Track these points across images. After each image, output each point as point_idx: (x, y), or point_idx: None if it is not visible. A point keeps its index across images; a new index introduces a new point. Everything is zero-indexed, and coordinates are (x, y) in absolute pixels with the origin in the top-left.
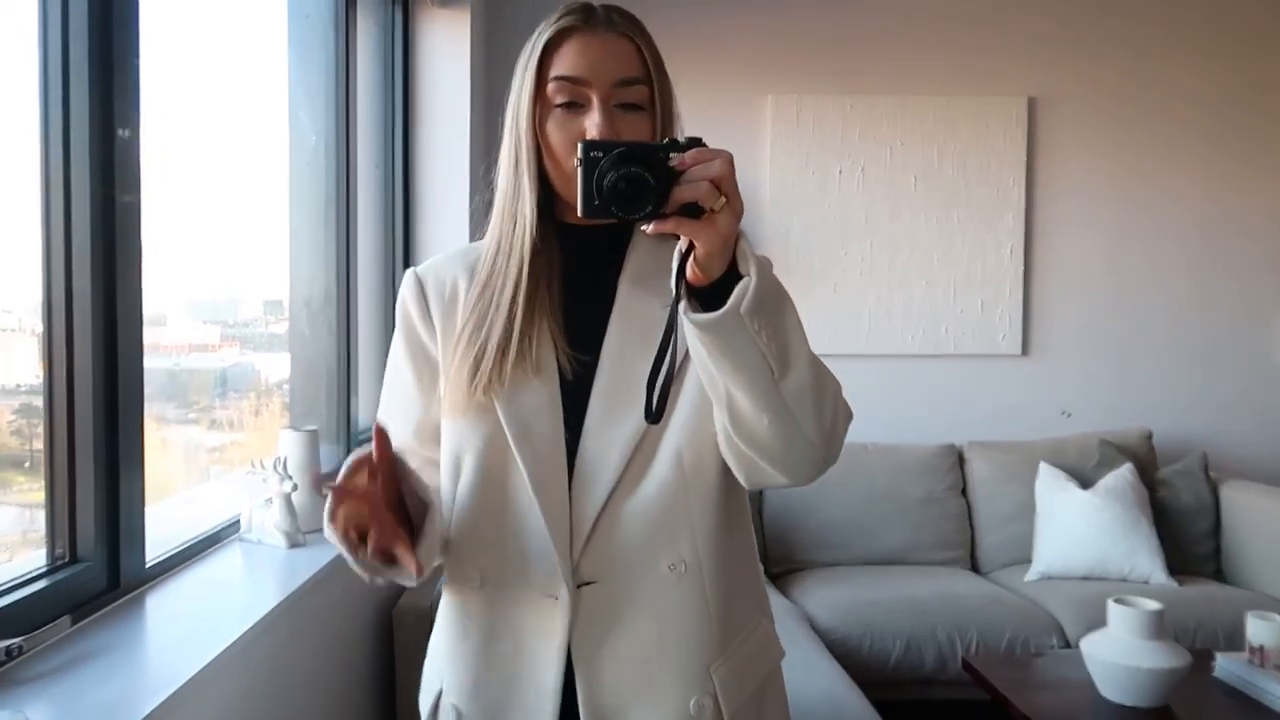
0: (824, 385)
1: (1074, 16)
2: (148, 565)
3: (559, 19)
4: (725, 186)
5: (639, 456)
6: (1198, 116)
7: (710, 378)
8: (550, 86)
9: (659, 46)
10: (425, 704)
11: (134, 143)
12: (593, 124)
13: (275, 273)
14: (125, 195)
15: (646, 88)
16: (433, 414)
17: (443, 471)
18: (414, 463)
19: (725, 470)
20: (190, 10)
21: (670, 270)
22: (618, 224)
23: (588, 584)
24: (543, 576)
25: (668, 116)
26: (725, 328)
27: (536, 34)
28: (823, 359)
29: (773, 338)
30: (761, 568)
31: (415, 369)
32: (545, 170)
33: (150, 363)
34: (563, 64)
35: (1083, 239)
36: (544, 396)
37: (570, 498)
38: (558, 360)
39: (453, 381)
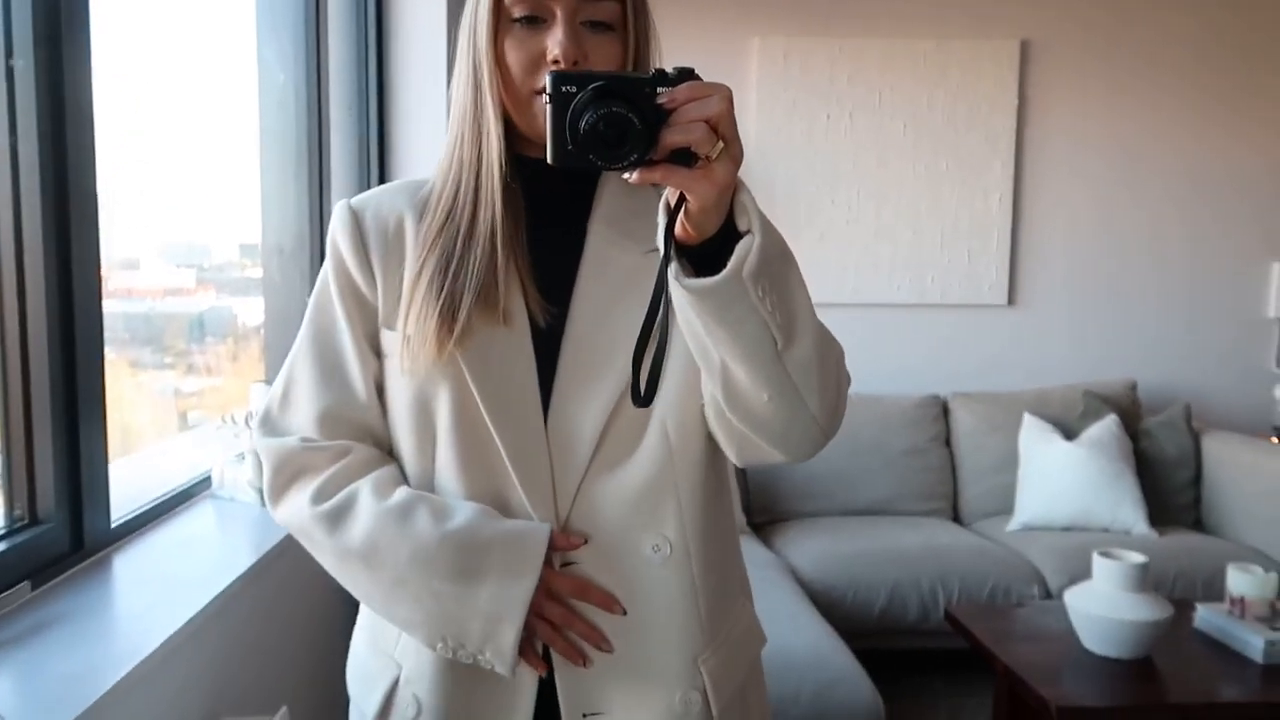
0: (829, 355)
1: None
2: (113, 525)
3: None
4: (724, 129)
5: (618, 423)
6: (1191, 61)
7: (703, 348)
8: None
9: None
10: (373, 697)
11: (84, 75)
12: (555, 41)
13: (251, 216)
14: (77, 132)
15: (618, 4)
16: (372, 369)
17: (400, 435)
18: (355, 431)
19: (712, 441)
20: None
21: (650, 211)
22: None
23: (567, 565)
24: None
25: (642, 40)
26: (725, 294)
27: None
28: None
29: (777, 305)
30: (742, 555)
31: (351, 322)
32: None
33: (123, 307)
34: None
35: (1072, 188)
36: (516, 351)
37: (552, 469)
38: (529, 310)
39: (416, 335)
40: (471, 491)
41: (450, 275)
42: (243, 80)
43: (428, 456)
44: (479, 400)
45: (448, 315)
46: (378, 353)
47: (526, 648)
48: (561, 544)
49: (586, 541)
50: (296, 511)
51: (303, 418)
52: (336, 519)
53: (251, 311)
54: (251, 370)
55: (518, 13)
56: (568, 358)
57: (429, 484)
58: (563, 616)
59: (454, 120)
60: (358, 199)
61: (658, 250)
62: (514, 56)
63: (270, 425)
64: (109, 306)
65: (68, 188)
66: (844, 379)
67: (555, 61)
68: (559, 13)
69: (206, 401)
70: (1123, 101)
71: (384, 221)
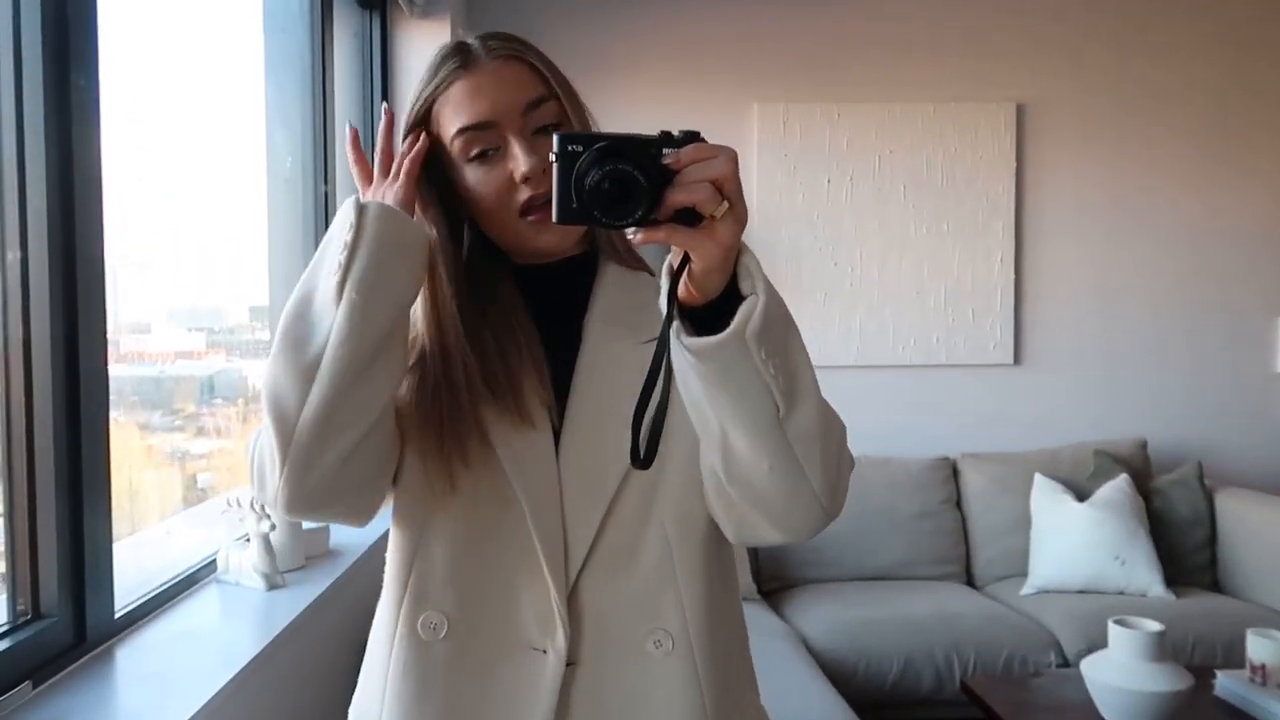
0: (831, 427)
1: (1062, 20)
2: (117, 615)
3: (436, 70)
4: (728, 189)
5: (617, 516)
6: (1186, 121)
7: (702, 416)
8: (456, 145)
9: (646, 53)
10: None
11: (93, 147)
12: (517, 161)
13: (260, 279)
14: (85, 201)
15: (555, 103)
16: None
17: (409, 481)
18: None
19: (715, 530)
20: (169, 21)
21: (647, 305)
22: (581, 259)
23: (569, 665)
24: (534, 625)
25: (582, 124)
26: (727, 354)
27: (416, 95)
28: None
29: (780, 368)
30: (747, 628)
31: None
32: (478, 227)
33: (134, 371)
34: (460, 115)
35: (1073, 246)
36: (539, 446)
37: (565, 541)
38: (545, 410)
39: (417, 434)
40: (480, 550)
41: (468, 366)
42: (254, 156)
43: (430, 502)
44: (508, 474)
45: (467, 418)
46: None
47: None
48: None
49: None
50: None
51: None
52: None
53: (261, 373)
54: None
55: (473, 152)
56: (568, 449)
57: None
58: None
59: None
60: None
61: (653, 340)
62: (484, 191)
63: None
64: (120, 370)
65: (75, 269)
66: (846, 458)
67: (525, 179)
68: (509, 134)
69: (215, 463)
70: (1120, 160)
71: None
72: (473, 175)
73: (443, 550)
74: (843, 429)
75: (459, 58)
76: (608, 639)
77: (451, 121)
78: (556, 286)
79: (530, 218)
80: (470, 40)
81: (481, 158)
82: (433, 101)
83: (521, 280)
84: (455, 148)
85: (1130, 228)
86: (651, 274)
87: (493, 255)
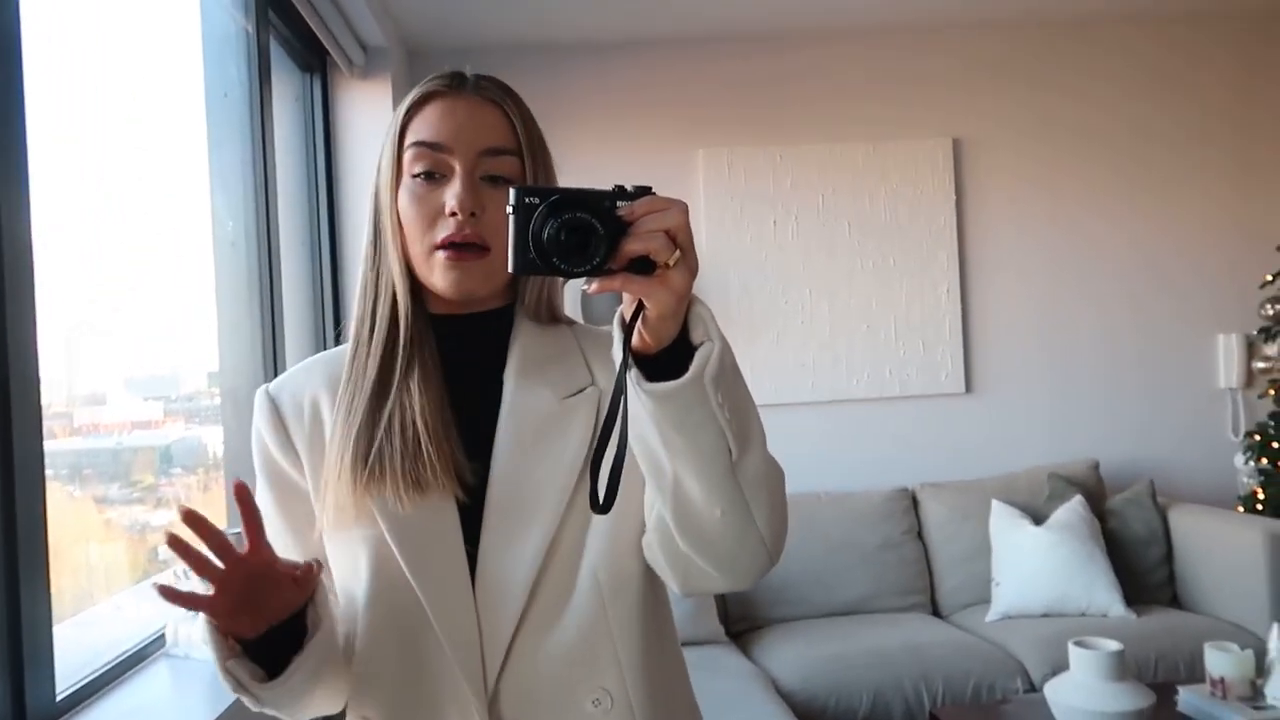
0: (775, 472)
1: (991, 59)
2: (59, 697)
3: (424, 83)
4: (681, 239)
5: (548, 576)
6: (1113, 153)
7: (656, 463)
8: (407, 155)
9: (590, 103)
10: None
11: (23, 223)
12: (452, 194)
13: (215, 346)
14: (14, 278)
15: (517, 160)
16: (313, 549)
17: (340, 601)
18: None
19: (650, 579)
20: (109, 86)
21: (563, 357)
22: (495, 310)
23: None
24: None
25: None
26: (686, 398)
27: (403, 103)
28: (769, 409)
29: (734, 412)
30: (689, 677)
31: (286, 513)
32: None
33: (89, 444)
34: (423, 128)
35: (1016, 275)
36: (439, 513)
37: (480, 629)
38: (453, 469)
39: (333, 507)
40: (396, 652)
41: (353, 444)
42: (200, 221)
43: (353, 621)
44: (403, 565)
45: (359, 482)
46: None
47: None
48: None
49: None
50: None
51: None
52: None
53: (220, 441)
54: (222, 501)
55: (417, 168)
56: (492, 516)
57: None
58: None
59: (359, 286)
60: (275, 384)
61: (577, 394)
62: (413, 211)
63: None
64: (75, 444)
65: (7, 348)
66: (785, 503)
67: (453, 213)
68: (458, 168)
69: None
70: (1055, 191)
71: (299, 403)
72: (409, 191)
73: (363, 645)
74: (782, 476)
75: (448, 80)
76: (545, 703)
77: (415, 131)
78: (473, 336)
79: (443, 254)
80: (466, 72)
81: (424, 177)
82: (409, 107)
83: (438, 332)
84: (407, 157)
85: (1070, 255)
86: (570, 324)
87: (416, 303)
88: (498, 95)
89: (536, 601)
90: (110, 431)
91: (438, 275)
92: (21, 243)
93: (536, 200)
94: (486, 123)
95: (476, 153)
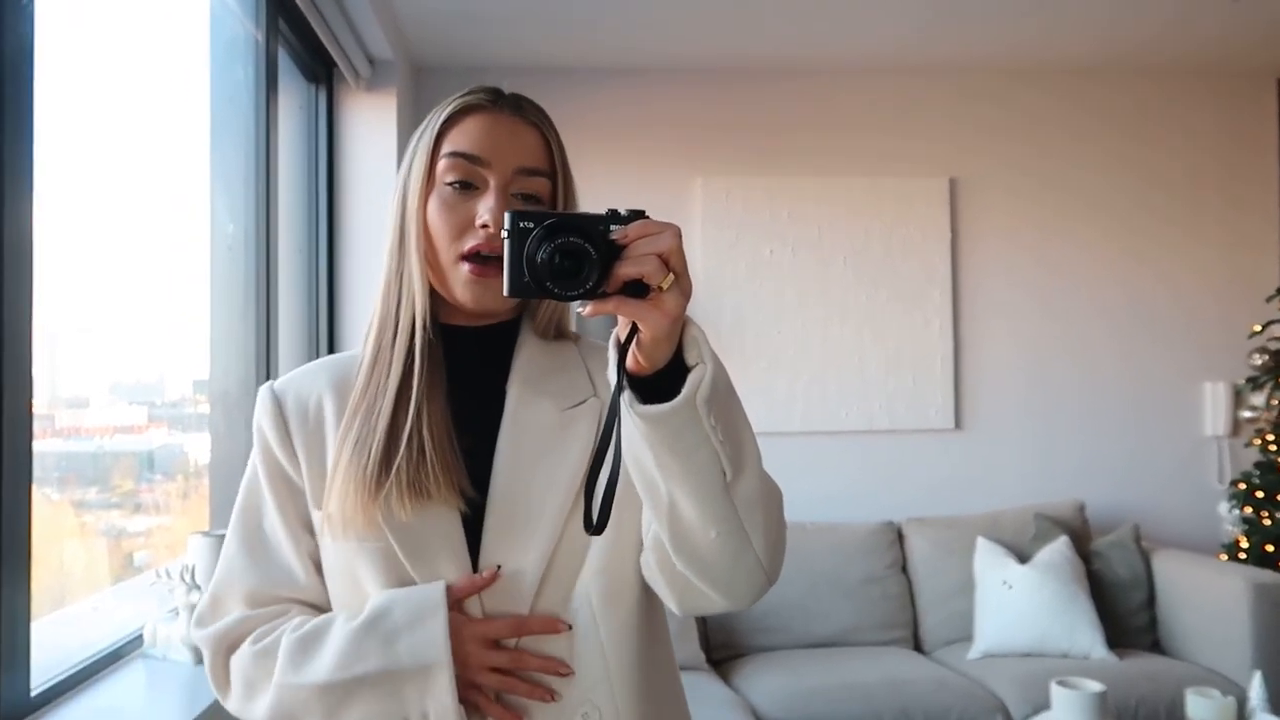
0: (771, 492)
1: (989, 100)
2: (33, 693)
3: (464, 95)
4: (674, 262)
5: (546, 588)
6: (1109, 197)
7: (651, 485)
8: (442, 164)
9: (591, 128)
10: None
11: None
12: (486, 207)
13: (203, 352)
14: (14, 274)
15: (549, 182)
16: (308, 549)
17: (337, 610)
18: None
19: (646, 597)
20: (112, 86)
21: (566, 369)
22: (503, 324)
23: None
24: None
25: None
26: (679, 420)
27: (436, 110)
28: (758, 438)
29: (727, 434)
30: (685, 698)
31: (281, 508)
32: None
33: (70, 447)
34: (462, 139)
35: (1008, 315)
36: (443, 523)
37: None
38: (454, 480)
39: (337, 514)
40: None
41: (370, 452)
42: (197, 224)
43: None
44: (412, 574)
45: (370, 491)
46: (312, 532)
47: (485, 702)
48: (462, 588)
49: (498, 576)
50: (240, 667)
51: (233, 601)
52: (265, 655)
53: (203, 448)
54: (201, 508)
55: (451, 177)
56: (493, 528)
57: None
58: (510, 659)
59: (381, 289)
60: (280, 382)
61: (578, 405)
62: (443, 220)
63: (203, 620)
64: (55, 446)
65: (1, 345)
66: (783, 523)
67: (484, 226)
68: (493, 181)
69: (155, 541)
70: (1049, 233)
71: (304, 404)
72: (440, 199)
73: None
74: (780, 496)
75: (490, 94)
76: (536, 715)
77: (453, 141)
78: (480, 348)
79: (467, 266)
80: (505, 90)
81: (458, 186)
82: (449, 116)
83: (447, 341)
84: (441, 165)
85: (1062, 298)
86: (576, 339)
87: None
88: (537, 117)
89: (534, 613)
90: (91, 435)
91: (460, 287)
92: (23, 244)
93: (531, 224)
94: (526, 142)
95: (513, 170)
